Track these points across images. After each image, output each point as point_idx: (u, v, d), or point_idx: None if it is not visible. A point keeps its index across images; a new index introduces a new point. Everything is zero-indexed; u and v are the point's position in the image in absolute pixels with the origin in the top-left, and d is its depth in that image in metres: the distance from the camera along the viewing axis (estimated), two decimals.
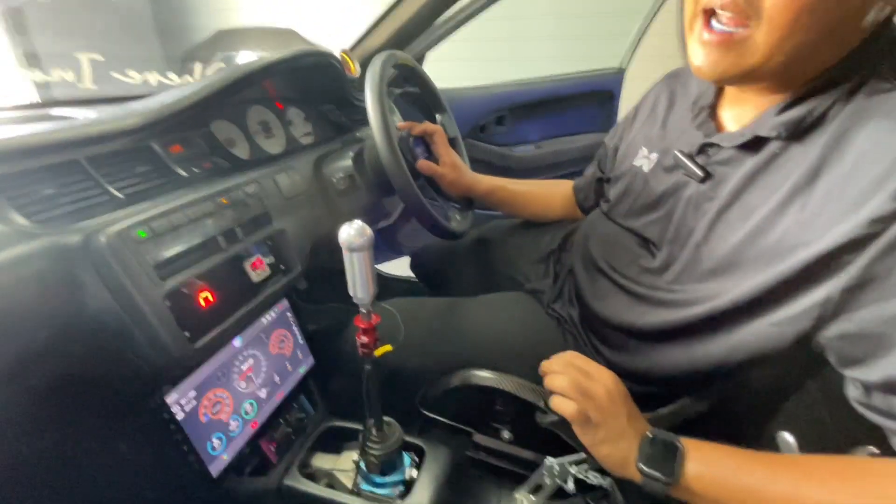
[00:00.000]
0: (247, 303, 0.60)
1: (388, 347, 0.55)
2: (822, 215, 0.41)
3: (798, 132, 0.44)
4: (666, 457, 0.44)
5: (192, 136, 0.68)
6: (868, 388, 0.41)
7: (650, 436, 0.46)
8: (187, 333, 0.51)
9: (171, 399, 0.53)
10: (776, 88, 0.47)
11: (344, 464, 0.68)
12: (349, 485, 0.64)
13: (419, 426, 0.74)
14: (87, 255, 0.45)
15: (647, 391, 0.57)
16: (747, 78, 0.45)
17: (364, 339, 0.53)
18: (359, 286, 0.49)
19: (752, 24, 0.41)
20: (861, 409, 0.42)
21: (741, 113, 0.52)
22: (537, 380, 0.56)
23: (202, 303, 0.54)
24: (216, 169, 0.68)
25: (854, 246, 0.39)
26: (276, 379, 0.70)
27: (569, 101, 1.62)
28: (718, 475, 0.43)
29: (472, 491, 0.68)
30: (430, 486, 0.63)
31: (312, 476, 0.66)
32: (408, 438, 0.66)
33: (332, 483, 0.66)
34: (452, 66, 1.47)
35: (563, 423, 0.51)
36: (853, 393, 0.43)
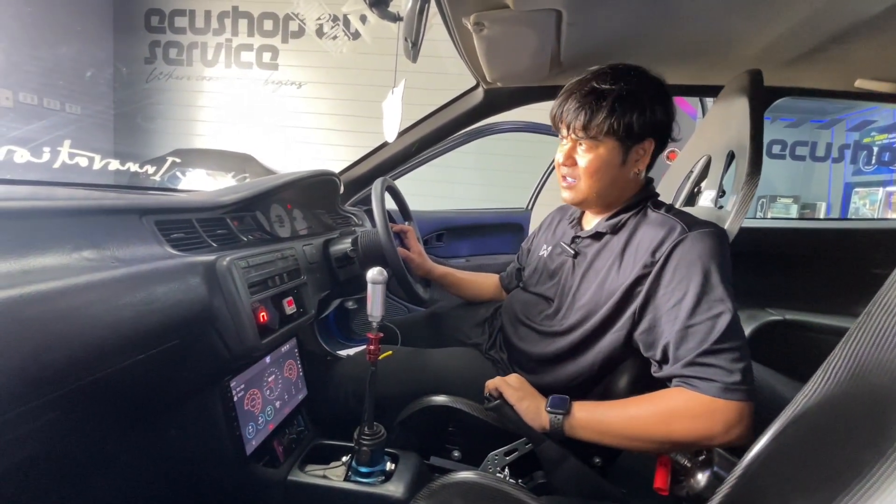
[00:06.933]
0: (282, 326, 0.85)
1: (388, 353, 0.82)
2: (626, 269, 0.81)
3: (615, 230, 0.87)
4: (561, 404, 0.77)
5: (245, 217, 0.98)
6: (658, 362, 0.77)
7: (551, 397, 0.79)
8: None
9: (233, 384, 0.74)
10: (602, 210, 0.91)
11: (333, 471, 0.86)
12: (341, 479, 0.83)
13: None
14: (213, 271, 0.71)
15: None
16: (582, 204, 0.89)
17: (371, 346, 0.80)
18: (375, 308, 0.79)
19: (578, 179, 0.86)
20: (657, 376, 0.77)
21: (591, 221, 0.96)
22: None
23: (260, 319, 0.79)
24: (260, 238, 0.97)
25: (639, 280, 0.78)
26: (286, 396, 0.90)
27: (491, 228, 2.14)
28: (588, 409, 0.76)
29: None
30: (405, 476, 0.84)
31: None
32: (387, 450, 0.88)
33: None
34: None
35: (500, 402, 0.81)
36: (653, 369, 0.78)
